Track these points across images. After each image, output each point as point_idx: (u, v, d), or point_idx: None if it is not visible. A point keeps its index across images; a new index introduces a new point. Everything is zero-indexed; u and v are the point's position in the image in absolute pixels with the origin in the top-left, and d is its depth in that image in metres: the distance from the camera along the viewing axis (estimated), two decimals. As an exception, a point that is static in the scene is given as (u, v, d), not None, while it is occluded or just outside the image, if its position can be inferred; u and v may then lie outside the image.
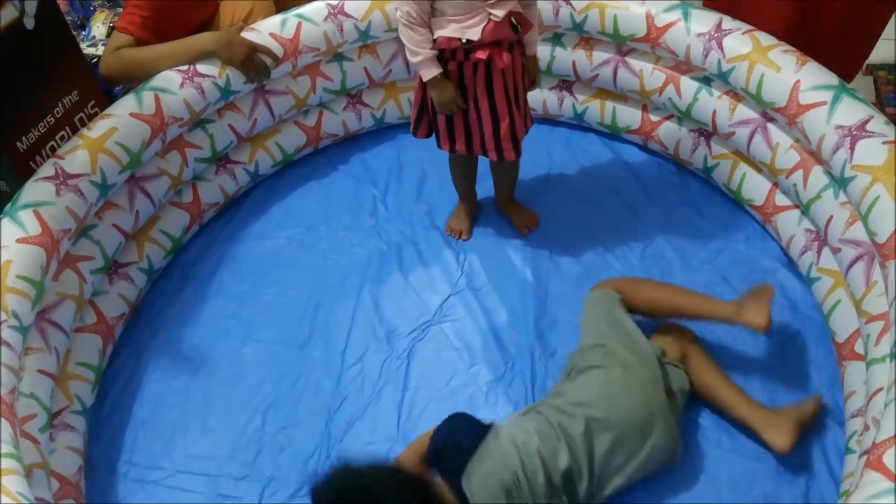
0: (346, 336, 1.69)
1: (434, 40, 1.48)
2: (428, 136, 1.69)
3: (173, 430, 1.56)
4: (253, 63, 1.77)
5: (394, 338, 1.67)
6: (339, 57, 1.97)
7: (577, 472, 1.30)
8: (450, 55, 1.49)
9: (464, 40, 1.45)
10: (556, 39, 1.91)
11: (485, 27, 1.43)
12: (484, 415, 1.51)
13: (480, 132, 1.59)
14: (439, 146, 1.68)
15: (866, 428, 1.20)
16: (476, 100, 1.54)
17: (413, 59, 1.51)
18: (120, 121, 1.62)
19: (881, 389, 1.18)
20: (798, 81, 1.46)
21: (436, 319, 1.69)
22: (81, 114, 1.67)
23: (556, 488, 1.29)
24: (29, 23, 1.51)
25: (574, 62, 1.91)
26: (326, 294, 1.77)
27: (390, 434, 1.52)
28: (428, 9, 1.45)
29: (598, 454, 1.30)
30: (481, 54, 1.47)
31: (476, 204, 1.89)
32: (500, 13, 1.42)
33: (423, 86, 1.56)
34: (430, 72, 1.51)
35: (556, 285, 1.73)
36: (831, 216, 1.46)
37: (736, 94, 1.67)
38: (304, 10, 1.85)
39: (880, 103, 1.96)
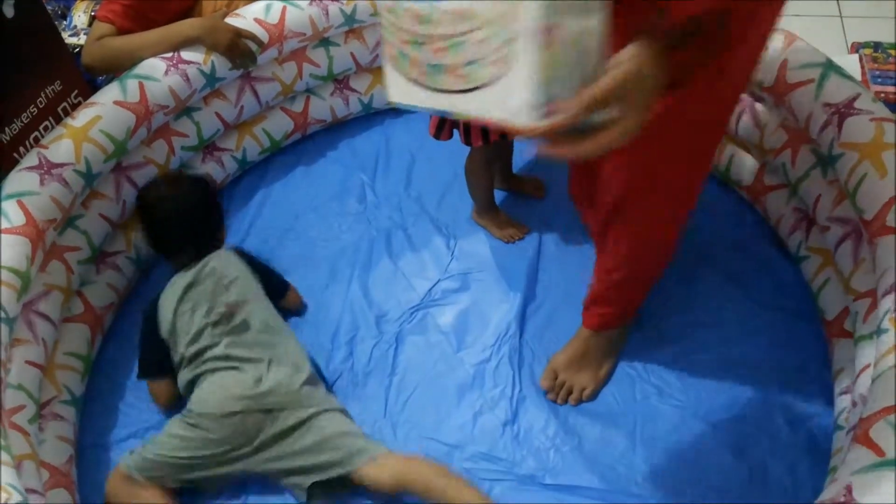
0: (336, 321, 1.68)
1: None
2: (450, 136, 1.63)
3: (164, 417, 1.56)
4: (238, 48, 1.75)
5: (383, 323, 1.67)
6: (325, 42, 1.95)
7: None
8: None
9: None
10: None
11: None
12: (470, 398, 1.52)
13: None
14: (469, 143, 1.60)
15: (854, 405, 1.21)
16: None
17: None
18: (104, 109, 1.61)
19: (868, 366, 1.19)
20: (785, 60, 1.46)
21: (424, 304, 1.69)
22: (65, 104, 1.65)
23: None
24: (8, 11, 1.49)
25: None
26: (316, 280, 1.77)
27: (377, 417, 1.52)
28: None
29: None
30: None
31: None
32: None
33: None
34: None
35: (545, 270, 1.73)
36: (819, 195, 1.46)
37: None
38: (289, -6, 1.83)
39: (865, 80, 1.96)
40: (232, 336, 1.47)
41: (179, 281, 1.53)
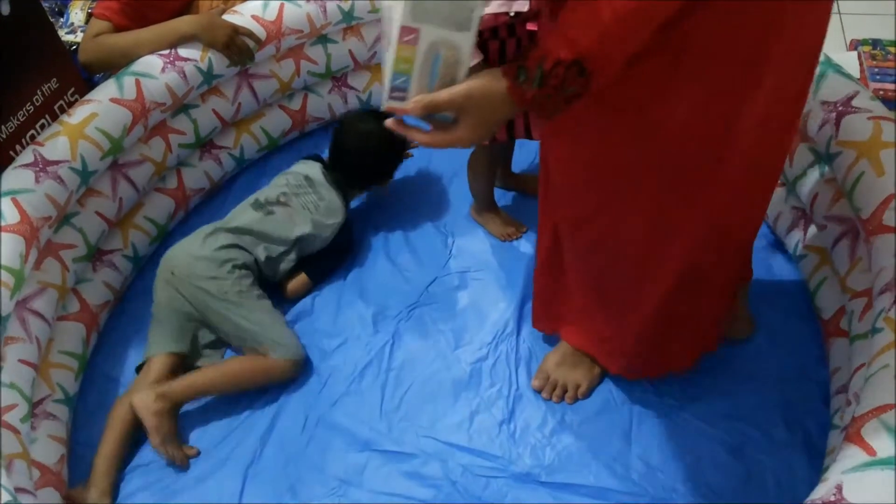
0: (332, 318, 1.68)
1: None
2: None
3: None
4: (235, 45, 1.75)
5: (379, 320, 1.66)
6: (323, 39, 1.95)
7: None
8: (490, 34, 1.38)
9: (512, 13, 1.33)
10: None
11: None
12: (467, 396, 1.52)
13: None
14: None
15: (848, 403, 1.20)
16: None
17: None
18: (100, 106, 1.61)
19: (863, 365, 1.18)
20: (783, 57, 1.45)
21: (422, 301, 1.68)
22: (61, 101, 1.65)
23: None
24: (4, 8, 1.49)
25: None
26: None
27: (373, 414, 1.51)
28: None
29: None
30: (532, 26, 1.36)
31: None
32: None
33: None
34: (472, 59, 1.45)
35: (542, 267, 1.73)
36: (817, 193, 1.45)
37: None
38: (287, -9, 1.83)
39: (864, 78, 1.95)
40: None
41: None
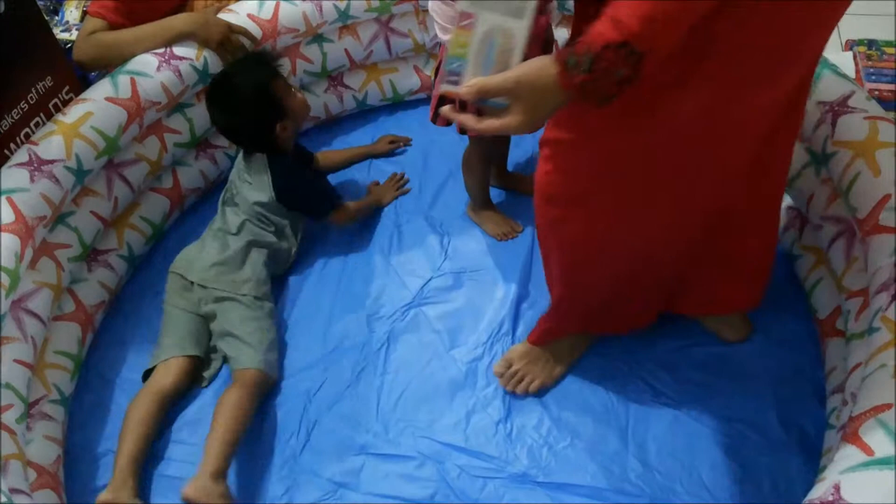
0: (327, 319, 1.68)
1: None
2: (448, 124, 1.62)
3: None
4: (230, 44, 1.74)
5: (374, 321, 1.66)
6: (318, 38, 1.95)
7: None
8: None
9: None
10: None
11: None
12: (463, 396, 1.51)
13: None
14: (466, 132, 1.63)
15: (844, 403, 1.20)
16: None
17: (444, 37, 1.46)
18: (95, 105, 1.60)
19: (859, 365, 1.18)
20: (779, 57, 1.45)
21: (417, 302, 1.68)
22: (56, 100, 1.64)
23: None
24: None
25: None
26: (307, 278, 1.76)
27: (369, 416, 1.51)
28: None
29: None
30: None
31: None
32: None
33: None
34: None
35: (538, 268, 1.71)
36: (813, 193, 1.45)
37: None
38: (282, -10, 1.82)
39: (859, 79, 1.95)
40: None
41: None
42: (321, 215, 1.77)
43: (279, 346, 1.62)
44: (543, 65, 0.87)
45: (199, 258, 1.67)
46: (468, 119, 0.92)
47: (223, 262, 1.64)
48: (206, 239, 1.72)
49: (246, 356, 1.53)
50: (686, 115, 1.01)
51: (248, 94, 1.62)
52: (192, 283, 1.64)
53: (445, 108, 0.95)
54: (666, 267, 1.35)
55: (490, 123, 0.90)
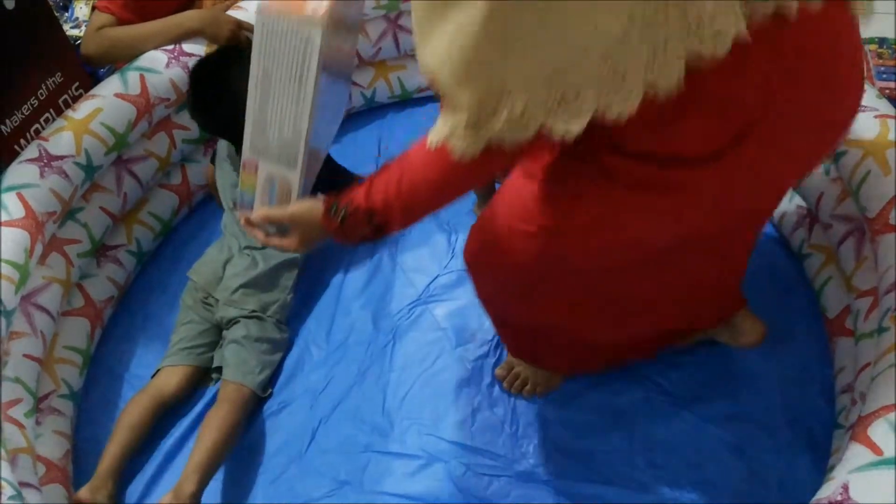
0: (332, 317, 1.68)
1: None
2: None
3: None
4: (239, 41, 1.74)
5: (380, 318, 1.66)
6: (327, 35, 1.94)
7: None
8: None
9: None
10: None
11: None
12: (469, 394, 1.51)
13: None
14: None
15: (853, 403, 1.20)
16: None
17: None
18: (105, 102, 1.61)
19: (868, 364, 1.18)
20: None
21: (422, 300, 1.68)
22: (66, 96, 1.65)
23: None
24: (9, 3, 1.49)
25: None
26: (314, 275, 1.77)
27: (375, 415, 1.51)
28: None
29: None
30: None
31: None
32: None
33: None
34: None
35: (546, 264, 1.72)
36: (822, 192, 1.44)
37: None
38: (291, -13, 1.82)
39: (870, 77, 1.94)
40: None
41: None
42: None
43: (284, 345, 1.62)
44: (314, 206, 1.07)
45: (225, 276, 1.62)
46: (259, 234, 1.14)
47: (251, 283, 1.60)
48: (227, 248, 1.65)
49: (243, 372, 1.50)
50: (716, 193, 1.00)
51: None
52: (216, 299, 1.61)
53: (243, 221, 1.16)
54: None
55: (273, 240, 1.13)
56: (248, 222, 1.15)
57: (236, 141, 1.51)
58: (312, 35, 1.00)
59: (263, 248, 1.63)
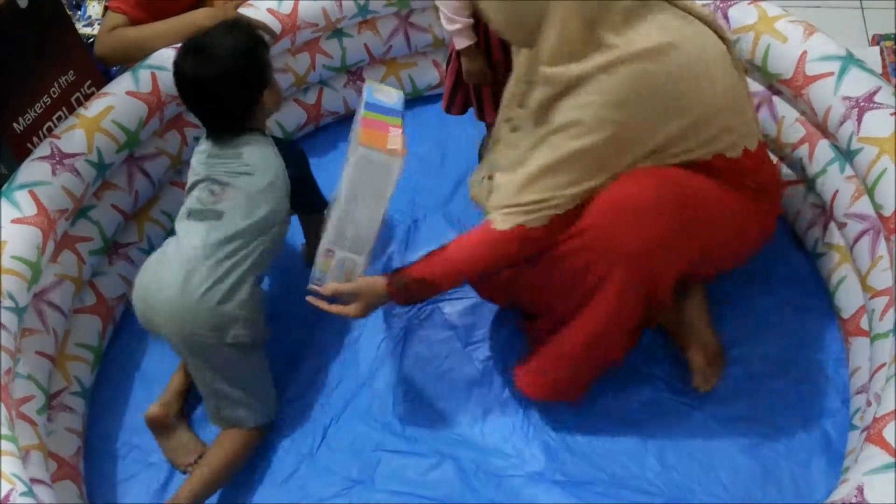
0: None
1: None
2: (462, 112, 1.67)
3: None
4: (248, 39, 1.74)
5: (390, 317, 1.66)
6: (338, 33, 1.95)
7: None
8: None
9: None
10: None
11: None
12: (480, 393, 1.51)
13: None
14: (483, 118, 1.68)
15: (868, 404, 1.19)
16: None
17: (449, 28, 1.49)
18: (116, 99, 1.61)
19: (884, 365, 1.16)
20: (805, 52, 1.43)
21: (433, 299, 1.67)
22: (78, 94, 1.66)
23: None
24: (22, 1, 1.49)
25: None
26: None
27: (386, 414, 1.51)
28: None
29: None
30: None
31: None
32: None
33: (459, 59, 1.55)
34: (465, 41, 1.48)
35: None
36: (837, 190, 1.43)
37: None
38: (302, -15, 1.82)
39: (886, 74, 1.92)
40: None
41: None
42: (318, 210, 1.59)
43: (291, 344, 1.61)
44: (375, 282, 1.34)
45: (162, 293, 1.38)
46: (322, 303, 1.37)
47: (200, 298, 1.36)
48: (169, 262, 1.41)
49: (243, 416, 1.43)
50: None
51: (239, 51, 1.41)
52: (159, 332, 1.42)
53: (310, 298, 1.39)
54: None
55: (337, 309, 1.36)
56: (315, 293, 1.38)
57: (210, 121, 1.45)
58: (394, 164, 1.33)
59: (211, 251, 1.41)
